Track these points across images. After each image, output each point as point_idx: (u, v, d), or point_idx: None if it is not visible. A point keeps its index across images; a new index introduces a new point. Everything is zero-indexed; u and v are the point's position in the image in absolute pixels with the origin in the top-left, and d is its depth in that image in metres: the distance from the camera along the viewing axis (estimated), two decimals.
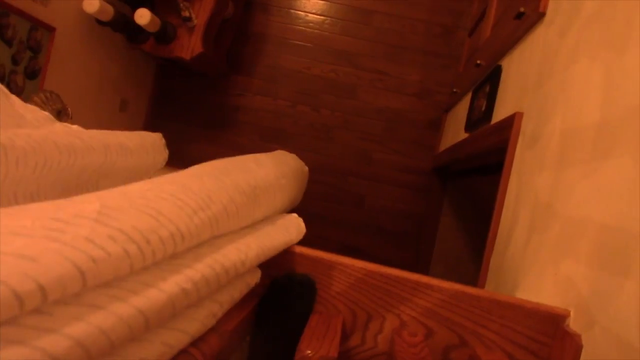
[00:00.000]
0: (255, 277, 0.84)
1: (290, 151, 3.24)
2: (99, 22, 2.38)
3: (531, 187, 1.23)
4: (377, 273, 0.91)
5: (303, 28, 3.37)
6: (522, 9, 1.59)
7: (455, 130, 2.68)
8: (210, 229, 0.67)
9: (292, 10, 3.38)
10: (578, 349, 0.78)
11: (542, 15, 1.45)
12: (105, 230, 0.48)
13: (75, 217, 0.48)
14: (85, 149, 0.86)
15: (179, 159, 3.33)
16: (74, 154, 0.83)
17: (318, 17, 3.35)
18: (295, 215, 1.03)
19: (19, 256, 0.39)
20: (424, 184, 3.26)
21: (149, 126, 3.36)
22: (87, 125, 2.56)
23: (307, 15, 3.36)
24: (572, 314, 0.85)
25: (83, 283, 0.43)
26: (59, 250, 0.42)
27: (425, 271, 3.03)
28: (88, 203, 0.52)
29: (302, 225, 0.99)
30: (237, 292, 0.76)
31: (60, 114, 1.67)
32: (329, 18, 3.35)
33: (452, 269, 3.07)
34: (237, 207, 0.76)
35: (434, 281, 0.90)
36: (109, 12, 2.32)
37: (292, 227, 0.96)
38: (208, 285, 0.62)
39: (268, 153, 1.24)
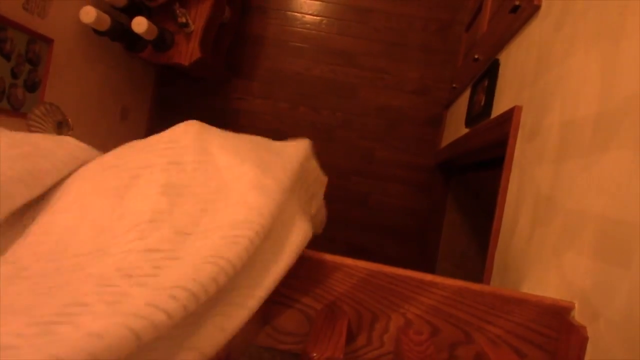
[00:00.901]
0: None
1: None
2: (97, 32, 2.39)
3: (532, 181, 1.23)
4: (381, 273, 0.91)
5: (300, 29, 3.37)
6: (517, 2, 1.59)
7: (456, 126, 2.68)
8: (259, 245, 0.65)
9: (289, 12, 3.38)
10: (584, 341, 0.78)
11: (537, 7, 1.45)
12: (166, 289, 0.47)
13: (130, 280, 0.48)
14: None
15: None
16: None
17: (315, 17, 3.36)
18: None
19: (87, 334, 0.39)
20: (427, 180, 3.26)
21: (151, 133, 3.36)
22: (88, 135, 2.57)
23: (304, 17, 3.37)
24: (576, 306, 0.85)
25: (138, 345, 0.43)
26: (124, 323, 0.42)
27: (431, 268, 3.03)
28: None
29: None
30: None
31: (61, 126, 1.68)
32: (325, 18, 3.35)
33: (458, 265, 3.07)
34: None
35: (437, 279, 0.90)
36: (106, 21, 2.33)
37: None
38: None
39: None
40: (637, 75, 0.79)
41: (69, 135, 1.68)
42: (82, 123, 2.52)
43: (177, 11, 2.56)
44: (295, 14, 3.38)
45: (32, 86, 2.11)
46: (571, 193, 0.97)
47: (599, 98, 0.92)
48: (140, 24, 2.39)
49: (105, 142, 2.84)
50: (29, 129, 1.62)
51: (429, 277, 0.90)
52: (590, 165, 0.90)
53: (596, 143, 0.90)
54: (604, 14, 0.99)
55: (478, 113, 2.00)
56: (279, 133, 3.30)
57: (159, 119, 3.39)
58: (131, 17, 2.43)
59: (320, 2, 3.36)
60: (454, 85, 2.85)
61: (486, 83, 1.92)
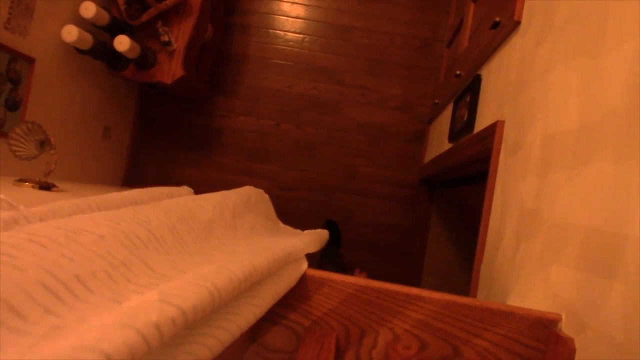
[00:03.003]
0: None
1: (276, 169, 3.27)
2: (79, 51, 2.38)
3: (516, 194, 1.24)
4: (368, 288, 0.91)
5: (283, 47, 3.38)
6: (497, 19, 1.61)
7: (438, 141, 2.70)
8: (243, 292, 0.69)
9: (271, 30, 3.40)
10: (571, 352, 0.78)
11: (517, 23, 1.47)
12: (170, 310, 0.49)
13: (142, 302, 0.49)
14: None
15: (164, 184, 3.31)
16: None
17: (297, 35, 3.38)
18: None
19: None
20: (411, 196, 3.27)
21: (133, 152, 3.35)
22: (70, 154, 2.55)
23: (286, 34, 3.39)
24: (563, 318, 0.86)
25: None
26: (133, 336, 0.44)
27: (416, 284, 3.03)
28: (147, 294, 0.53)
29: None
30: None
31: (43, 145, 1.66)
32: (308, 36, 3.37)
33: (444, 279, 3.08)
34: (272, 270, 0.78)
35: (425, 293, 0.90)
36: (88, 40, 2.32)
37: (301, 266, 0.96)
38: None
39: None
40: (616, 89, 0.81)
41: (51, 154, 1.66)
42: (64, 142, 2.50)
43: (160, 29, 2.56)
44: (278, 31, 3.40)
45: (13, 105, 2.10)
46: (555, 206, 0.98)
47: (580, 112, 0.94)
48: (122, 43, 2.39)
49: (88, 161, 2.82)
50: (10, 148, 1.60)
51: (416, 291, 0.90)
52: (573, 178, 0.91)
53: (578, 156, 0.91)
54: (583, 29, 1.00)
55: (461, 128, 2.01)
56: (262, 150, 3.30)
57: (142, 138, 3.38)
58: (113, 36, 2.42)
59: (302, 20, 3.39)
60: (436, 101, 2.88)
61: (468, 98, 1.94)
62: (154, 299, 0.50)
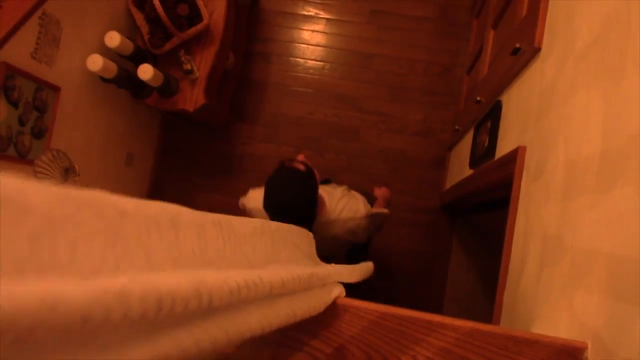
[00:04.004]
0: None
1: None
2: (103, 80, 2.42)
3: (539, 220, 1.23)
4: (390, 315, 0.90)
5: (303, 75, 3.42)
6: (517, 45, 1.61)
7: (459, 168, 2.69)
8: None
9: (292, 58, 3.43)
10: None
11: (537, 50, 1.48)
12: (139, 289, 0.40)
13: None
14: None
15: None
16: None
17: (318, 63, 3.41)
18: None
19: None
20: (432, 222, 3.25)
21: (156, 178, 3.38)
22: (94, 181, 2.57)
23: (306, 62, 3.42)
24: (589, 346, 0.84)
25: None
26: None
27: (438, 311, 2.99)
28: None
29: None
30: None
31: (68, 172, 1.69)
32: (328, 63, 3.40)
33: (465, 307, 3.04)
34: (287, 288, 0.71)
35: (447, 320, 0.89)
36: (112, 69, 2.36)
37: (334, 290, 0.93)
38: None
39: None
40: (639, 114, 0.80)
41: (75, 180, 1.69)
42: (88, 169, 2.53)
43: (182, 58, 2.60)
44: (298, 59, 3.43)
45: (39, 133, 2.14)
46: (579, 232, 0.97)
47: (602, 137, 0.93)
48: (146, 72, 2.43)
49: (111, 187, 2.85)
50: (36, 175, 1.64)
51: (438, 318, 0.89)
52: (596, 204, 0.90)
53: (602, 181, 0.90)
54: (604, 54, 1.00)
55: (482, 154, 2.00)
56: None
57: (164, 164, 3.42)
58: (137, 65, 2.47)
59: (323, 48, 3.42)
60: (456, 127, 2.87)
61: (489, 124, 1.94)
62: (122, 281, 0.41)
